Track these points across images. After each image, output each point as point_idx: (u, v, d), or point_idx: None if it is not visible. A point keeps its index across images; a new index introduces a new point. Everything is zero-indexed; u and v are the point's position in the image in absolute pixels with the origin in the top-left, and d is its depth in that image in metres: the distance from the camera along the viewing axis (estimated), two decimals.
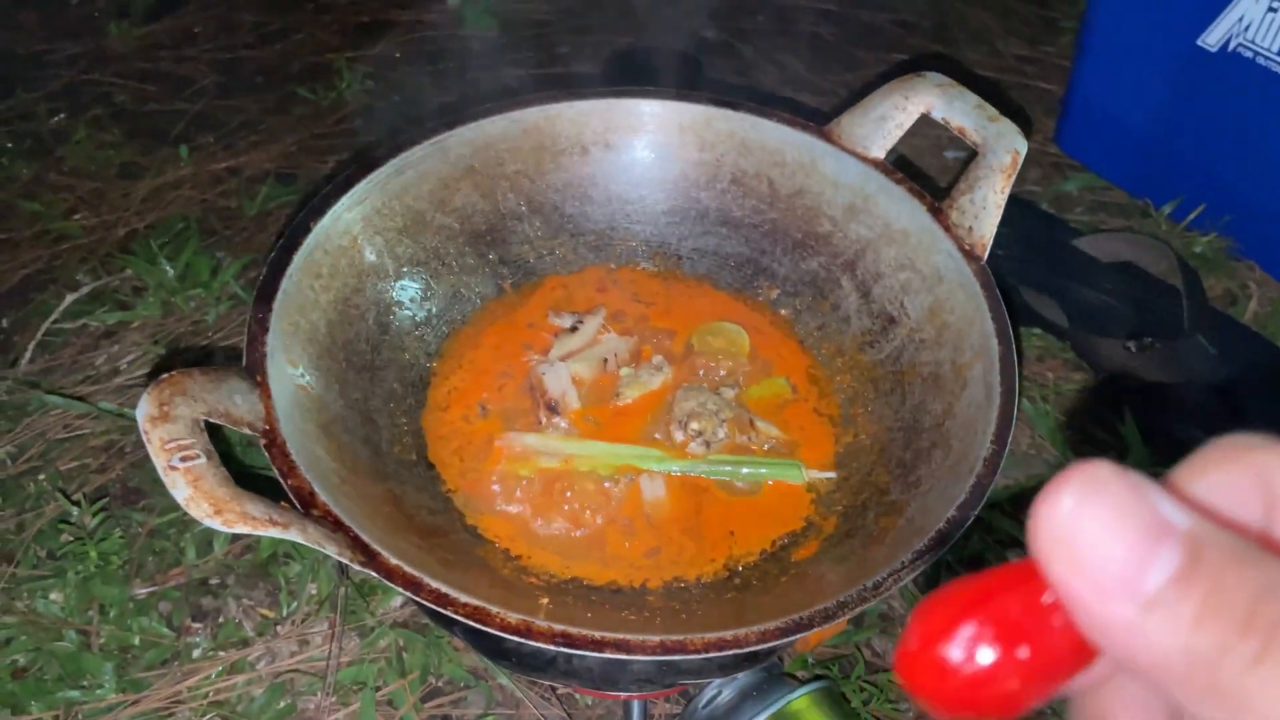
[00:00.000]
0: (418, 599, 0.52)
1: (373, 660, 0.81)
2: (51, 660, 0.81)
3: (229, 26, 1.58)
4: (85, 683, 0.80)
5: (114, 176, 1.31)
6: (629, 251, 0.81)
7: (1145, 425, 0.96)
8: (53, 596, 0.85)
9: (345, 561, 0.52)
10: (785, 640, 0.51)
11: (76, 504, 0.88)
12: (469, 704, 0.80)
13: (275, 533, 0.50)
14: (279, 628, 0.84)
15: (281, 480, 0.55)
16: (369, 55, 1.51)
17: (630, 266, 0.81)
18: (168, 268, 1.16)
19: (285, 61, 1.51)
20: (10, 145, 1.34)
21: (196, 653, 0.83)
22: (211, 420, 0.54)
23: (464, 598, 0.52)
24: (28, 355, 1.07)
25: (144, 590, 0.86)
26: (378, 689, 0.80)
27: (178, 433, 0.51)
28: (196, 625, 0.85)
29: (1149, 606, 0.19)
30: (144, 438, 0.51)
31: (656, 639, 0.50)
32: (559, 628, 0.51)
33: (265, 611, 0.86)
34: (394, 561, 0.53)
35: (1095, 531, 0.20)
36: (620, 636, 0.50)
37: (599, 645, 0.50)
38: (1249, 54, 1.05)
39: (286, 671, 0.81)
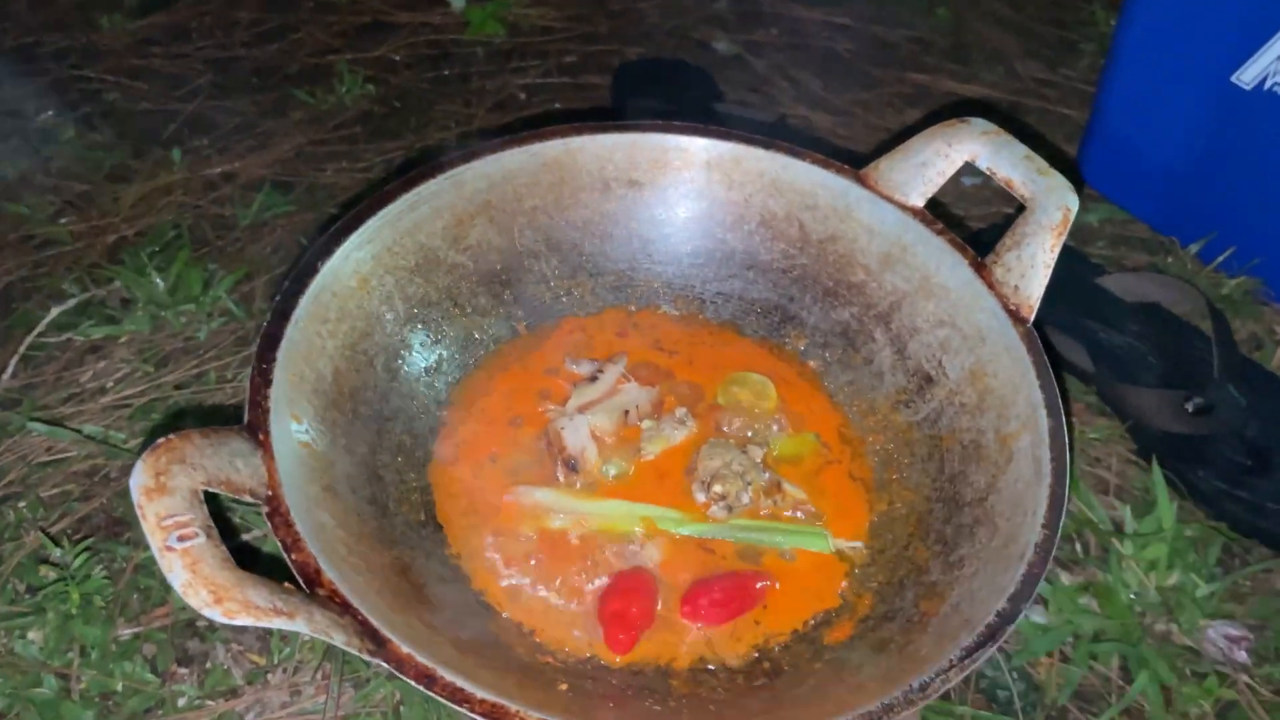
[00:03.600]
0: (431, 692, 0.48)
1: (368, 714, 0.77)
2: (29, 707, 0.76)
3: (225, 23, 1.53)
4: None
5: (103, 179, 1.26)
6: (650, 293, 0.77)
7: (1173, 476, 0.93)
8: (31, 636, 0.81)
9: (354, 652, 0.48)
10: None
11: (59, 544, 0.84)
12: None
13: (280, 623, 0.46)
14: (270, 676, 0.80)
15: (285, 555, 0.51)
16: (370, 58, 1.46)
17: (651, 309, 0.77)
18: (158, 280, 1.11)
19: (283, 62, 1.46)
20: None
21: (182, 701, 0.79)
22: (211, 489, 0.50)
23: (480, 693, 0.48)
24: (9, 370, 1.03)
25: (128, 631, 0.82)
26: None
27: (176, 507, 0.47)
28: (182, 671, 0.81)
29: None
30: (138, 513, 0.47)
31: None
32: None
33: (255, 658, 0.81)
34: (405, 650, 0.49)
35: None
36: None
37: None
38: None
39: None
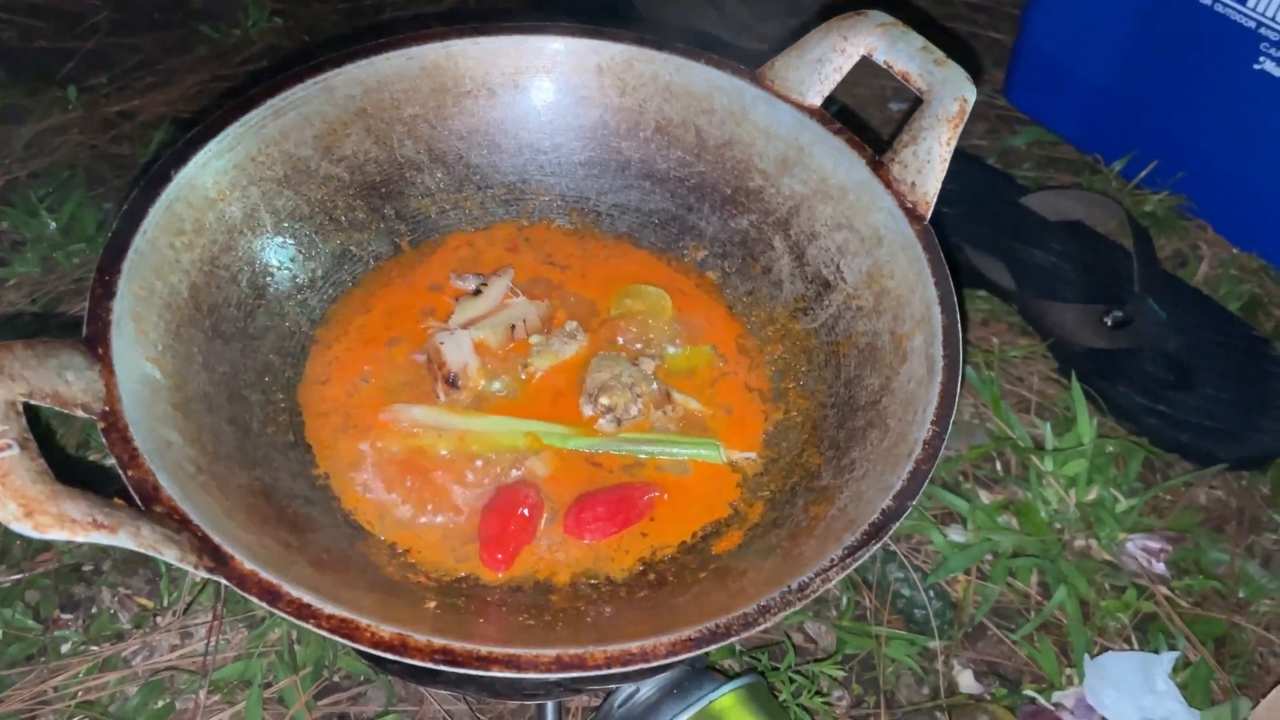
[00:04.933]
0: (275, 609, 0.45)
1: (262, 654, 0.74)
2: None
3: None
4: None
5: None
6: (543, 207, 0.74)
7: (1093, 393, 0.91)
8: None
9: (189, 569, 0.44)
10: (697, 652, 0.45)
11: None
12: (368, 700, 0.73)
13: (100, 537, 0.42)
14: (158, 619, 0.77)
15: (121, 471, 0.48)
16: None
17: (544, 224, 0.74)
18: (49, 220, 1.06)
19: None
20: None
21: (66, 648, 0.75)
22: (34, 402, 0.47)
23: (329, 608, 0.45)
24: None
25: (9, 578, 0.78)
26: (266, 686, 0.73)
27: None
28: (67, 617, 0.77)
29: None
30: None
31: (552, 654, 0.44)
32: (439, 643, 0.44)
33: (144, 601, 0.78)
34: (249, 566, 0.45)
35: None
36: (509, 652, 0.44)
37: (485, 662, 0.44)
38: (1209, 1, 1.00)
39: (165, 668, 0.74)
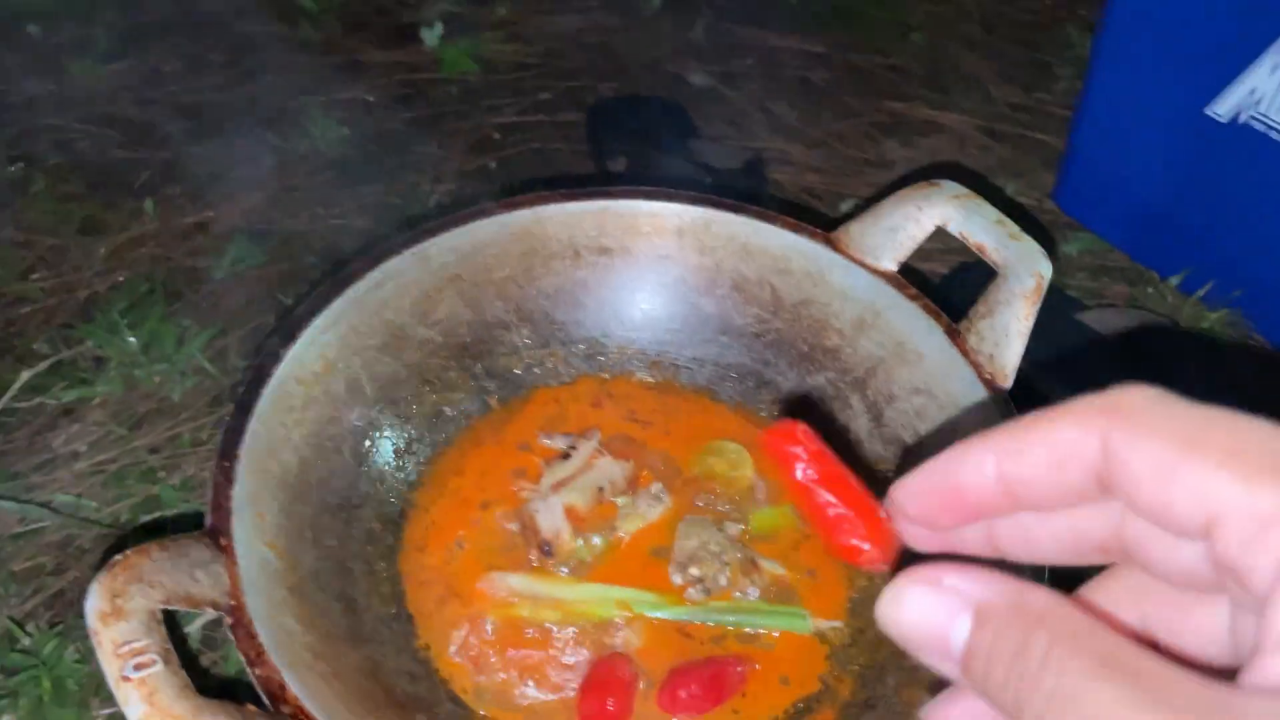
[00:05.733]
0: None
1: None
2: None
3: (196, 66, 1.51)
4: None
5: (75, 233, 1.25)
6: (624, 361, 0.77)
7: None
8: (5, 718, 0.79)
9: None
10: None
11: (29, 633, 0.82)
12: None
13: None
14: None
15: (249, 669, 0.50)
16: (342, 99, 1.45)
17: (626, 377, 0.76)
18: (130, 338, 1.10)
19: (254, 106, 1.44)
20: None
21: None
22: (170, 608, 0.49)
23: None
24: None
25: (103, 712, 0.81)
26: None
27: (133, 633, 0.46)
28: None
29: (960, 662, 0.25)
30: (93, 639, 0.46)
31: None
32: None
33: None
34: None
35: (911, 621, 0.26)
36: None
37: None
38: (1260, 127, 1.02)
39: None
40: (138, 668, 0.45)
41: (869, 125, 1.43)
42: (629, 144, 1.22)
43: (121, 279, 1.19)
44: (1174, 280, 1.14)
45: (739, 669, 0.60)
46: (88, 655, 0.83)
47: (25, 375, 1.06)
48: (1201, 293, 1.11)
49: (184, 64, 1.52)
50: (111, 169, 1.34)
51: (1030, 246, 0.65)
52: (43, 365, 1.07)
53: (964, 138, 1.42)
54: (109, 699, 0.81)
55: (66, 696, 0.80)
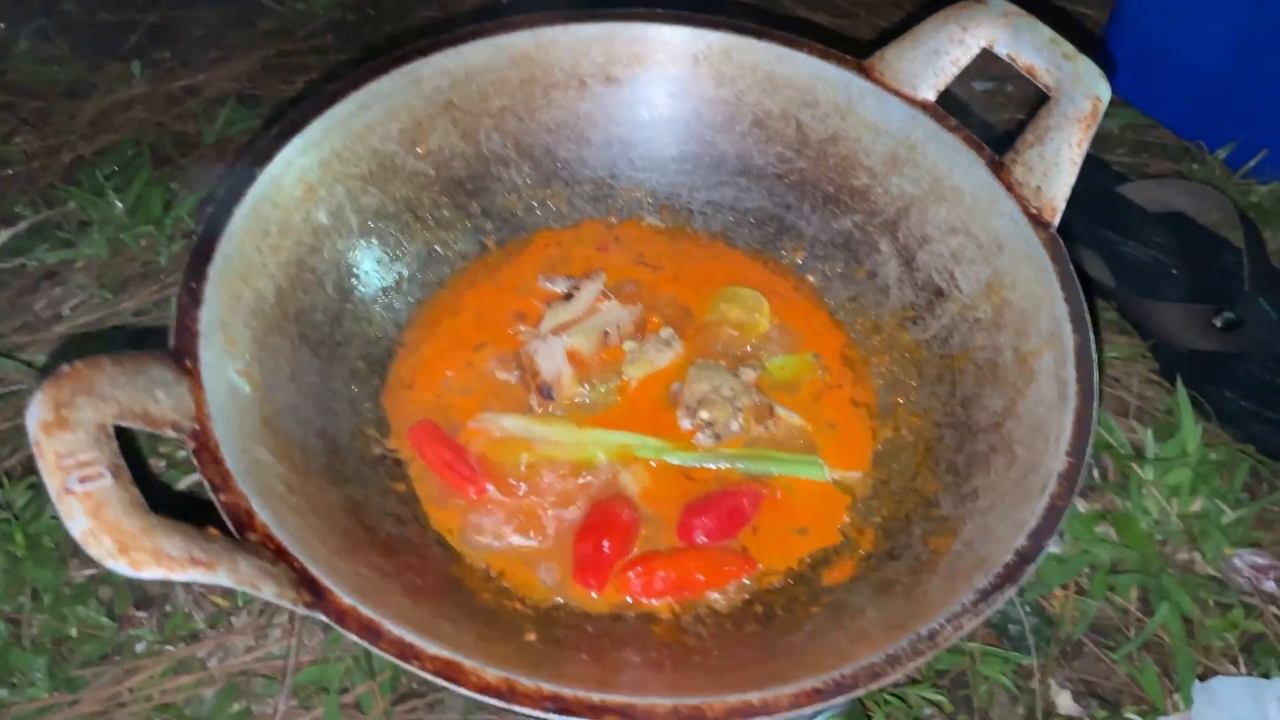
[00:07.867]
0: (377, 649, 0.42)
1: (338, 659, 0.72)
2: None
3: None
4: (15, 680, 0.71)
5: (59, 95, 1.19)
6: (633, 204, 0.71)
7: (1198, 397, 0.86)
8: None
9: (287, 604, 0.42)
10: (820, 705, 0.42)
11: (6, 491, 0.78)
12: (446, 708, 0.72)
13: (197, 575, 0.40)
14: (234, 619, 0.75)
15: (213, 495, 0.45)
16: None
17: (634, 221, 0.70)
18: (116, 201, 1.04)
19: None
20: None
21: (140, 647, 0.74)
22: (124, 424, 0.44)
23: (432, 648, 0.42)
24: None
25: (82, 573, 0.77)
26: (343, 692, 0.71)
27: (78, 445, 0.41)
28: (141, 615, 0.76)
29: None
30: (35, 450, 0.41)
31: (668, 704, 0.41)
32: (549, 689, 0.41)
33: (219, 600, 0.76)
34: (347, 602, 0.43)
35: None
36: (625, 702, 0.41)
37: (598, 712, 0.41)
38: None
39: (240, 671, 0.72)
40: (82, 480, 0.40)
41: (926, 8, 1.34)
42: None
43: (108, 142, 1.13)
44: (1221, 153, 1.06)
45: (753, 497, 0.56)
46: None
47: (6, 234, 1.01)
48: (1251, 165, 1.04)
49: None
50: (98, 30, 1.27)
51: (1087, 67, 0.59)
52: (23, 225, 1.02)
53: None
54: (89, 560, 0.78)
55: (44, 555, 0.76)
